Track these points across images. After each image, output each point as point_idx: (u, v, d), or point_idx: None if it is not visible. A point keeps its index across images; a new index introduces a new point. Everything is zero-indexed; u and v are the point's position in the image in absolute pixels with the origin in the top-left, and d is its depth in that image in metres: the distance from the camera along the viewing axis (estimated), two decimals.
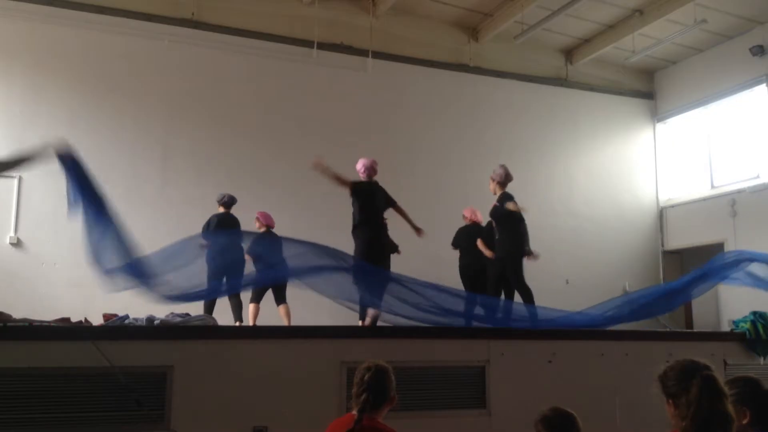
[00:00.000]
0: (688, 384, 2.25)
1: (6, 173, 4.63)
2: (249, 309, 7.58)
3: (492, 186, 7.07)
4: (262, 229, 7.82)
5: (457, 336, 5.75)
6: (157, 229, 8.73)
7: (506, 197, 6.89)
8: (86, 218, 4.67)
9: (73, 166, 4.73)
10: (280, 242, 5.93)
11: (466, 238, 7.85)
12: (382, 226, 6.70)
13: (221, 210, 7.83)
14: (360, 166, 6.68)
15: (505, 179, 7.02)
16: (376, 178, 6.72)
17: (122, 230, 4.76)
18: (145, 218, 8.70)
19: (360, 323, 6.17)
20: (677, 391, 2.28)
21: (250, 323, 7.35)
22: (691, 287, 6.71)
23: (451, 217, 8.49)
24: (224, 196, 7.87)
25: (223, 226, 7.50)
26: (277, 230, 7.76)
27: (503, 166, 7.12)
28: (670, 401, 2.32)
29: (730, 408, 2.23)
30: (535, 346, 5.65)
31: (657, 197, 12.53)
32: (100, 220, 4.66)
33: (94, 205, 4.68)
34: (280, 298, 7.67)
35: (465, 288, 7.50)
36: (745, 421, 2.52)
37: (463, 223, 8.09)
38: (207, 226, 7.58)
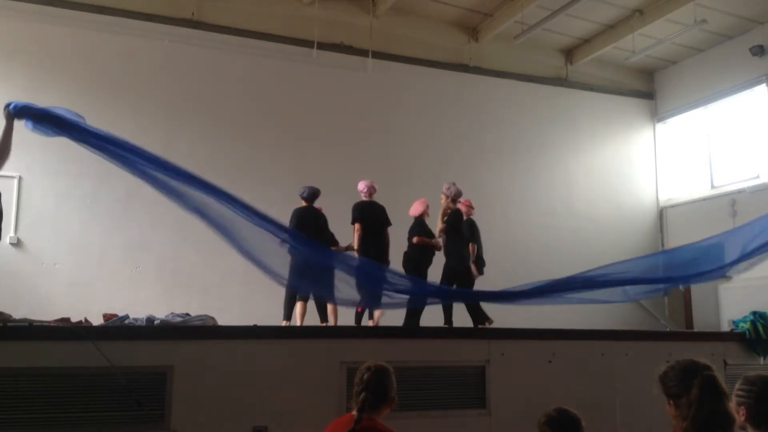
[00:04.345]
0: (688, 384, 2.25)
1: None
2: (297, 307, 6.98)
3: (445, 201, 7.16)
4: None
5: (457, 336, 5.75)
6: (157, 229, 8.79)
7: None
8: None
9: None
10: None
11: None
12: (384, 244, 7.00)
13: (304, 204, 7.27)
14: (363, 187, 7.19)
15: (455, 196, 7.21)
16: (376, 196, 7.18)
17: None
18: (145, 218, 8.73)
19: (370, 323, 6.26)
20: (678, 391, 2.28)
21: (298, 323, 6.83)
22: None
23: None
24: (304, 190, 7.31)
25: (303, 220, 7.03)
26: None
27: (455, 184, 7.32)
28: (671, 401, 2.32)
29: (731, 408, 2.23)
30: (535, 346, 5.66)
31: (657, 197, 12.51)
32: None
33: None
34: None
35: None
36: (742, 418, 2.52)
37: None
38: (290, 222, 6.99)
